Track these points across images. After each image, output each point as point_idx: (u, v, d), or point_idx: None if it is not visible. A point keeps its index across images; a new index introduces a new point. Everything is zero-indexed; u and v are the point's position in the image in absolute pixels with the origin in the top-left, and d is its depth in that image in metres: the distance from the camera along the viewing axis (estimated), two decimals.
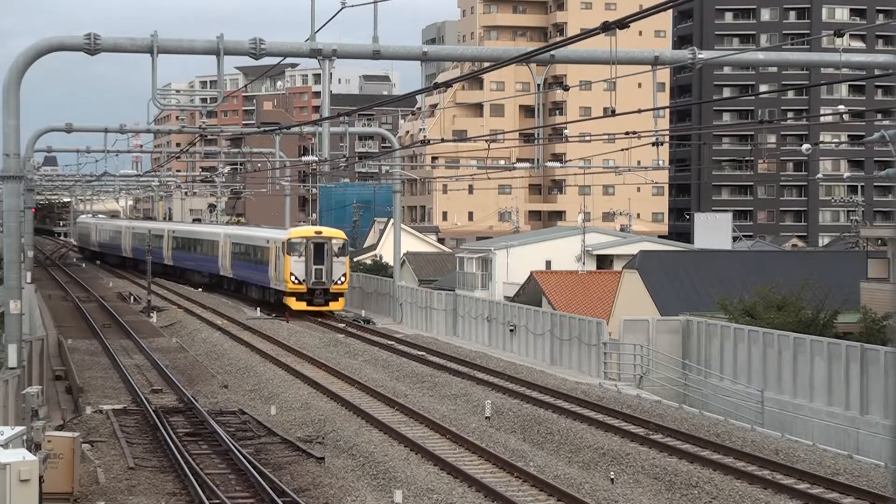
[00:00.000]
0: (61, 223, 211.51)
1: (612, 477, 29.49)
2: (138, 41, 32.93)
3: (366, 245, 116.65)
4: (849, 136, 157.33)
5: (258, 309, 70.96)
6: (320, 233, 68.73)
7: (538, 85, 72.18)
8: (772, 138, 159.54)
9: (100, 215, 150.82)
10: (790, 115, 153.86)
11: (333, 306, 67.57)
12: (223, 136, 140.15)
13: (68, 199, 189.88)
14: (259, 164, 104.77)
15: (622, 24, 19.99)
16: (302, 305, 66.72)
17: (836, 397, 40.21)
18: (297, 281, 66.63)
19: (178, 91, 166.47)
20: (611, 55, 32.36)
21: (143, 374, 47.52)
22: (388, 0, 32.74)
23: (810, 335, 44.37)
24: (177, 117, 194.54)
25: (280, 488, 27.37)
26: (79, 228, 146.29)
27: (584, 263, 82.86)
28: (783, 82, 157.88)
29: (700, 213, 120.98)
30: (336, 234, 68.99)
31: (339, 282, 67.24)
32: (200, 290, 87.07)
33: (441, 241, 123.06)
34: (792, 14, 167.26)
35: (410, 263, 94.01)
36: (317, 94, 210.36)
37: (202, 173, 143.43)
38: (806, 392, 41.80)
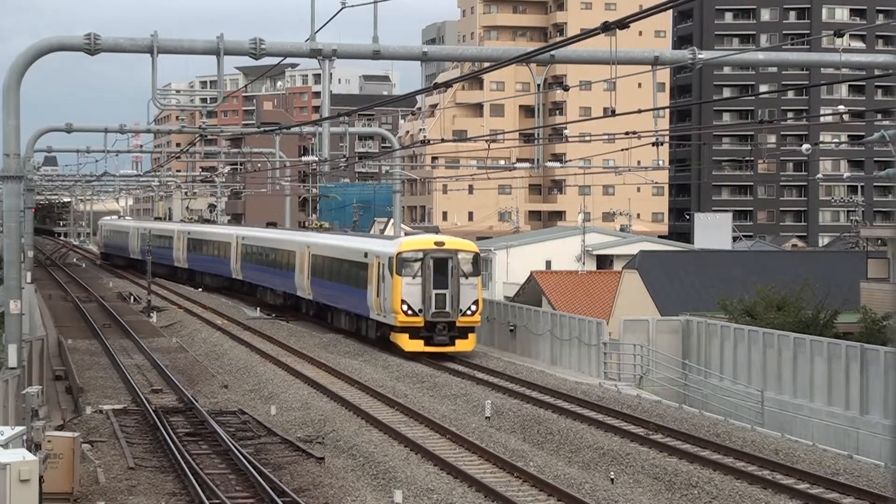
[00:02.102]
0: (61, 223, 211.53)
1: (612, 477, 29.50)
2: (138, 41, 32.94)
3: None
4: (849, 136, 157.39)
5: (258, 309, 70.91)
6: (442, 244, 50.63)
7: (538, 85, 71.68)
8: (772, 138, 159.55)
9: (127, 217, 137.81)
10: (790, 115, 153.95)
11: (461, 346, 49.62)
12: (223, 136, 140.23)
13: (68, 199, 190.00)
14: (259, 164, 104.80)
15: (622, 24, 20.01)
16: (417, 345, 49.37)
17: (836, 397, 40.22)
18: (410, 311, 49.26)
19: (178, 91, 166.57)
20: (611, 55, 32.37)
21: (143, 374, 47.55)
22: (388, 0, 32.78)
23: (810, 335, 44.40)
24: (177, 117, 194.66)
25: (280, 488, 27.38)
26: (106, 232, 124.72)
27: (584, 263, 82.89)
28: (783, 82, 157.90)
29: (700, 213, 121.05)
30: (464, 246, 51.36)
31: (468, 312, 49.51)
32: (200, 290, 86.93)
33: None
34: (792, 14, 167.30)
35: None
36: (317, 94, 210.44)
37: (202, 173, 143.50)
38: (806, 392, 41.81)
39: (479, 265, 51.14)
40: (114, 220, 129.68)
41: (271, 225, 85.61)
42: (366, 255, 53.67)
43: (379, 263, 51.43)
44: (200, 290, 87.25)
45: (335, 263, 58.19)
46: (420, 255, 49.75)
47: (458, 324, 49.31)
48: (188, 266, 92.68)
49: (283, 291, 69.09)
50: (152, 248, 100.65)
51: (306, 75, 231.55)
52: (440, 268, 49.57)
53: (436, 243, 50.58)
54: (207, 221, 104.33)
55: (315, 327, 62.33)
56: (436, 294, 49.36)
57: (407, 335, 49.62)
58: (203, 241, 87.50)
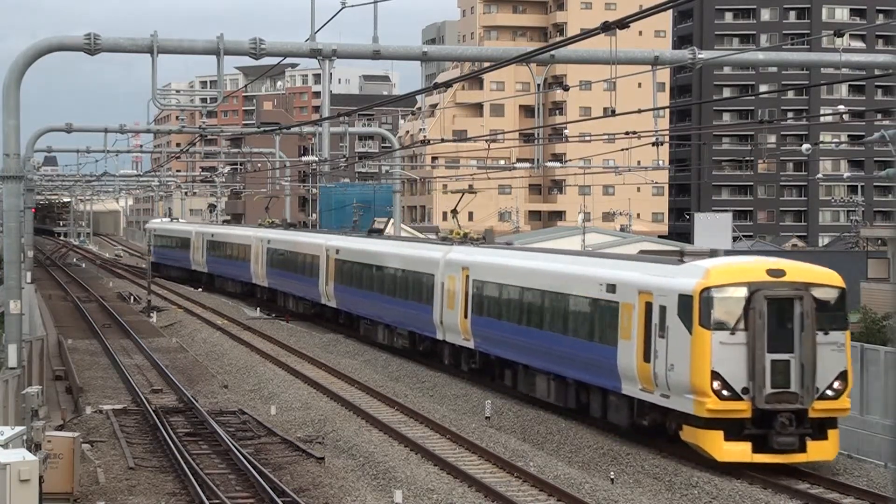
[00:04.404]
0: (61, 223, 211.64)
1: (612, 477, 29.49)
2: (138, 41, 32.96)
3: None
4: (849, 136, 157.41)
5: (258, 309, 70.83)
6: (781, 273, 30.21)
7: (538, 85, 71.15)
8: (772, 138, 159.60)
9: (179, 220, 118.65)
10: (790, 115, 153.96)
11: (818, 453, 29.75)
12: (223, 136, 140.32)
13: (68, 199, 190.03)
14: (259, 164, 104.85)
15: (622, 24, 20.02)
16: (739, 452, 29.29)
17: None
18: (728, 392, 29.35)
19: (178, 91, 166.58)
20: (611, 55, 32.41)
21: (143, 374, 47.54)
22: (388, 0, 32.81)
23: None
24: (177, 117, 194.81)
25: (280, 488, 27.40)
26: (159, 237, 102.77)
27: None
28: (783, 82, 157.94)
29: (700, 213, 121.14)
30: (818, 277, 30.68)
31: (830, 393, 29.85)
32: (200, 290, 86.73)
33: None
34: (792, 14, 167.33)
35: None
36: (317, 94, 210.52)
37: (202, 173, 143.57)
38: None
39: (846, 311, 31.19)
40: (167, 224, 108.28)
41: (375, 233, 63.70)
42: (613, 287, 33.45)
43: (650, 305, 31.49)
44: (200, 289, 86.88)
45: (533, 297, 38.23)
46: (743, 291, 29.79)
47: (811, 413, 29.46)
48: (268, 284, 72.66)
49: (409, 331, 49.75)
50: (224, 260, 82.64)
51: (306, 75, 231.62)
52: (781, 315, 29.73)
53: (770, 272, 30.15)
54: (291, 226, 79.41)
55: (315, 327, 62.16)
56: (773, 362, 29.45)
57: (721, 433, 29.34)
58: (287, 252, 67.98)
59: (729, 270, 30.44)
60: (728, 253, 36.96)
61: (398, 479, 28.88)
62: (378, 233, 63.91)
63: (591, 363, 34.31)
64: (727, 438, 29.28)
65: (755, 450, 29.27)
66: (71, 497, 26.68)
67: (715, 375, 29.31)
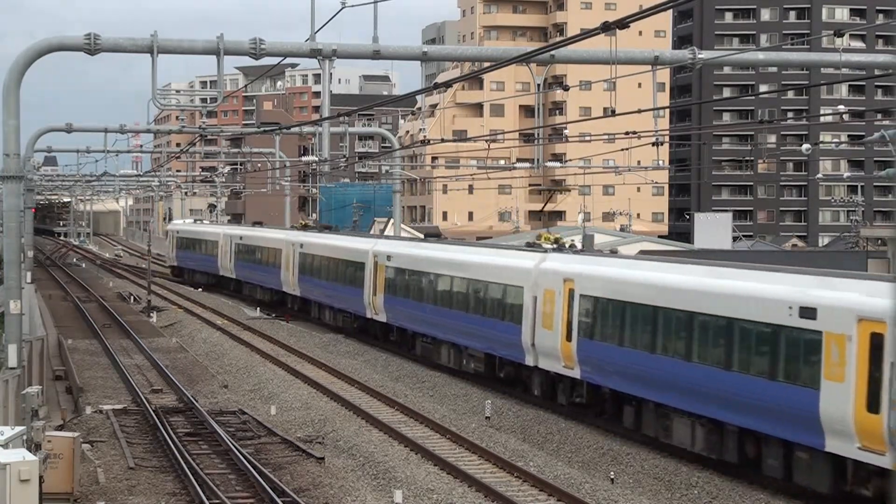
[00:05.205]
0: (61, 223, 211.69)
1: (612, 477, 29.50)
2: (138, 41, 32.92)
3: None
4: (849, 136, 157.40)
5: (258, 309, 70.84)
6: None
7: (538, 85, 70.80)
8: (772, 138, 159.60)
9: (204, 221, 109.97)
10: (790, 115, 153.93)
11: None
12: (223, 136, 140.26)
13: (68, 199, 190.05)
14: (259, 164, 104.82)
15: (622, 24, 19.99)
16: None
17: None
18: None
19: (178, 91, 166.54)
20: (611, 55, 32.38)
21: (143, 374, 47.55)
22: (388, 0, 32.78)
23: None
24: (177, 117, 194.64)
25: (280, 488, 27.41)
26: (182, 240, 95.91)
27: None
28: (783, 82, 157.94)
29: (700, 213, 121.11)
30: None
31: None
32: (200, 289, 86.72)
33: None
34: (792, 14, 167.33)
35: None
36: (317, 94, 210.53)
37: (202, 173, 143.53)
38: None
39: None
40: (191, 225, 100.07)
41: (432, 237, 55.89)
42: (811, 312, 25.79)
43: (879, 338, 24.09)
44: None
45: (676, 321, 30.66)
46: None
47: None
48: (300, 293, 65.96)
49: (485, 353, 42.38)
50: (250, 265, 76.18)
51: (306, 75, 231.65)
52: None
53: None
54: (327, 229, 71.47)
55: (315, 327, 61.98)
56: None
57: None
58: (323, 258, 61.00)
59: None
60: None
61: (398, 479, 28.89)
62: (436, 237, 56.42)
63: (770, 409, 26.73)
64: None
65: None
66: (71, 497, 26.68)
67: None
